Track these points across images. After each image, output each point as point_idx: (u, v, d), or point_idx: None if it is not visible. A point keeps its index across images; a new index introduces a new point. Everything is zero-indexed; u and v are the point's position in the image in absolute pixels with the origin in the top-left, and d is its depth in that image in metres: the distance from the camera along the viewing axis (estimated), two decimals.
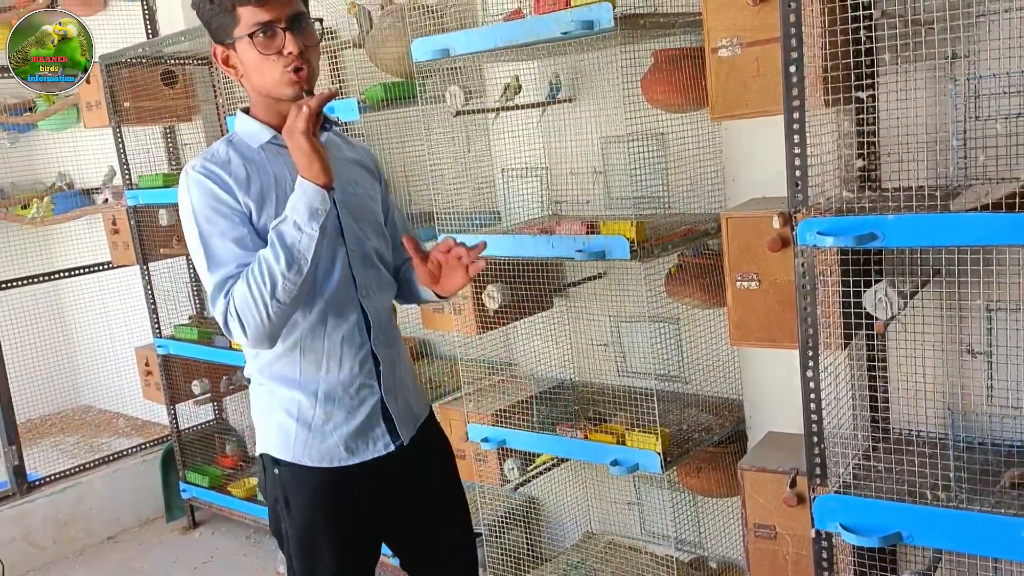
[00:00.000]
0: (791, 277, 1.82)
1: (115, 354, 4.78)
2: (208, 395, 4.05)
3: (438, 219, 2.71)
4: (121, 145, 3.85)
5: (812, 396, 1.80)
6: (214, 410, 4.41)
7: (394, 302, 1.96)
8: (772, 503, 2.19)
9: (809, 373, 1.79)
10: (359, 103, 2.83)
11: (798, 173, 1.72)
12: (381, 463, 1.76)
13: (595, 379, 3.01)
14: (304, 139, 1.51)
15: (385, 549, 1.90)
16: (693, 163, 2.55)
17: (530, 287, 2.73)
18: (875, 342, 2.11)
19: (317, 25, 1.65)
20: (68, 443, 4.69)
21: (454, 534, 1.95)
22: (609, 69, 2.65)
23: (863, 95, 1.94)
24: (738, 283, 2.13)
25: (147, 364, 4.12)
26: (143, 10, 4.05)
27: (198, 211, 1.60)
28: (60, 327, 5.10)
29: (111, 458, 4.31)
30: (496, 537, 3.01)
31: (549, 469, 2.93)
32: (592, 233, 2.31)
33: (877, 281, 1.84)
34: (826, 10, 1.73)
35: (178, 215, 1.69)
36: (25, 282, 4.14)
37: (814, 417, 1.80)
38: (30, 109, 4.50)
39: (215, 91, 3.76)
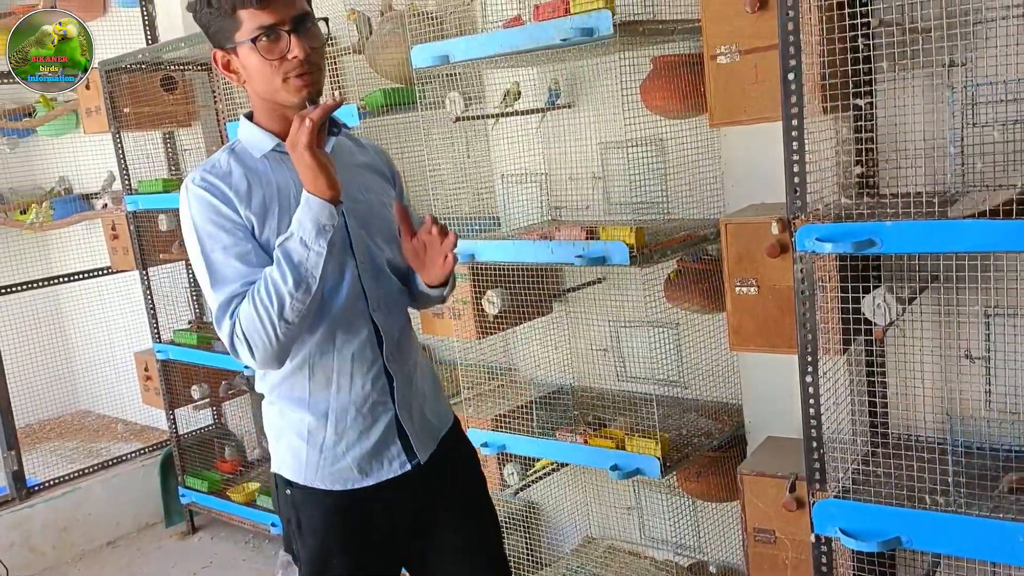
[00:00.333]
0: (790, 283, 1.82)
1: (114, 359, 4.77)
2: (207, 400, 4.05)
3: None
4: (121, 150, 3.86)
5: (811, 401, 1.80)
6: (213, 415, 4.41)
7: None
8: (772, 507, 2.20)
9: (808, 378, 1.80)
10: (359, 109, 2.84)
11: (797, 179, 1.73)
12: (397, 483, 1.68)
13: (595, 384, 3.01)
14: (307, 153, 1.43)
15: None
16: (692, 169, 2.56)
17: (529, 292, 2.72)
18: (874, 347, 2.12)
19: (322, 25, 1.56)
20: (67, 448, 4.67)
21: (480, 560, 1.81)
22: (608, 75, 2.66)
23: (861, 102, 1.95)
24: (737, 288, 2.13)
25: (146, 369, 4.12)
26: (142, 16, 4.07)
27: (199, 226, 1.52)
28: (59, 332, 5.09)
29: (110, 463, 4.31)
30: None
31: (549, 474, 2.94)
32: (591, 238, 2.31)
33: (876, 287, 1.85)
34: (824, 18, 1.74)
35: (178, 220, 1.63)
36: (24, 287, 4.14)
37: (813, 422, 1.81)
38: (29, 114, 4.50)
39: (215, 96, 3.76)
